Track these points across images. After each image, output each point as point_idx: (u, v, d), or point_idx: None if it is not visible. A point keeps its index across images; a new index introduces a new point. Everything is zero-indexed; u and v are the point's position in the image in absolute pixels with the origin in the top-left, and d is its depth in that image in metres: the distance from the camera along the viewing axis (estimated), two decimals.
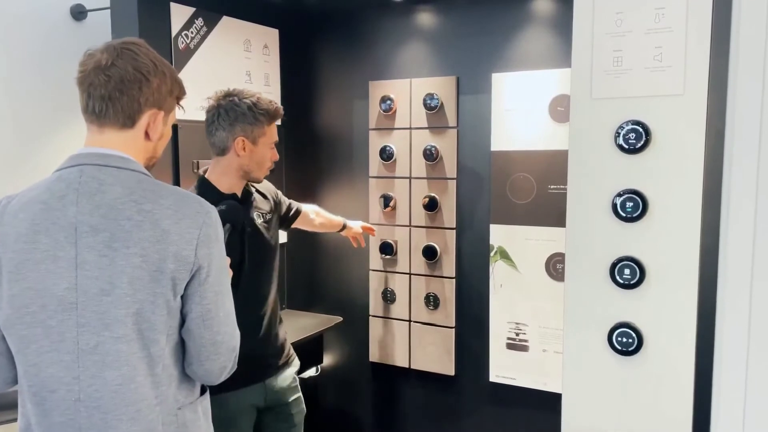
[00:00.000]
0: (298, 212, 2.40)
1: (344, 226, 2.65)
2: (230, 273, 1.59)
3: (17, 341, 1.23)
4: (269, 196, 2.18)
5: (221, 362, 1.29)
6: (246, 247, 1.97)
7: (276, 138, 2.03)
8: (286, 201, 2.33)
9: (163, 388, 1.25)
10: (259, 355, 2.01)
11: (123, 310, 1.18)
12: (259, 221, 2.06)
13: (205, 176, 1.99)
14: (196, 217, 1.24)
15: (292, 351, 2.20)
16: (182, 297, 1.24)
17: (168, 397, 1.26)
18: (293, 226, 2.42)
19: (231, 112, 1.92)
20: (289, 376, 2.13)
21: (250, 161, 1.96)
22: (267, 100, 1.98)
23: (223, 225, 1.72)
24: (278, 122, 2.05)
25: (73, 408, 1.20)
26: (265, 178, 2.07)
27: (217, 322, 1.26)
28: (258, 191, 2.12)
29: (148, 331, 1.20)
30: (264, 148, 1.98)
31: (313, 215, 2.52)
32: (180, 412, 1.28)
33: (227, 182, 1.97)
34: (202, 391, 1.38)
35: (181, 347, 1.28)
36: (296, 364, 2.20)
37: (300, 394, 2.18)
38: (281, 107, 2.03)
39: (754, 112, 1.36)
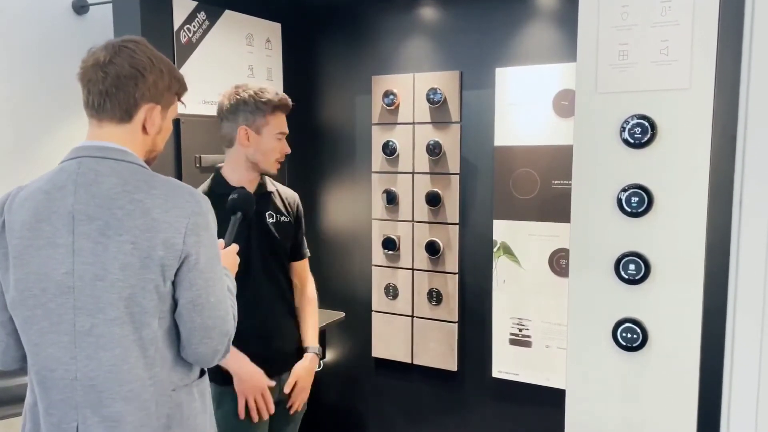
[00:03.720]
0: (301, 254, 2.17)
1: (303, 351, 2.11)
2: (237, 259, 1.61)
3: (21, 322, 1.30)
4: (290, 207, 2.13)
5: (213, 346, 1.33)
6: (251, 241, 1.97)
7: (283, 129, 2.01)
8: (302, 228, 2.19)
9: (157, 369, 1.30)
10: (273, 351, 2.02)
11: (115, 294, 1.24)
12: (270, 221, 2.04)
13: (220, 170, 2.02)
14: (185, 207, 1.28)
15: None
16: (173, 283, 1.29)
17: (162, 378, 1.31)
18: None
19: (233, 101, 1.96)
20: None
21: (255, 152, 1.96)
22: (273, 90, 1.99)
23: (234, 213, 1.74)
24: (286, 113, 2.04)
25: (70, 386, 1.27)
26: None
27: (207, 307, 1.30)
28: (280, 195, 2.11)
29: (139, 314, 1.26)
30: (269, 139, 1.97)
31: (298, 284, 2.17)
32: (174, 394, 1.33)
33: (237, 175, 1.98)
34: (201, 374, 1.42)
35: (175, 331, 1.33)
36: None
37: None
38: (287, 98, 2.02)
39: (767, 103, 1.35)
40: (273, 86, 2.11)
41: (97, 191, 1.25)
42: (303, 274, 2.21)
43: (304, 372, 2.07)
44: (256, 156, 1.97)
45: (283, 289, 2.08)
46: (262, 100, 1.95)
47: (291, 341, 2.10)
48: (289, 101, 2.04)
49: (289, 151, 2.05)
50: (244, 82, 2.03)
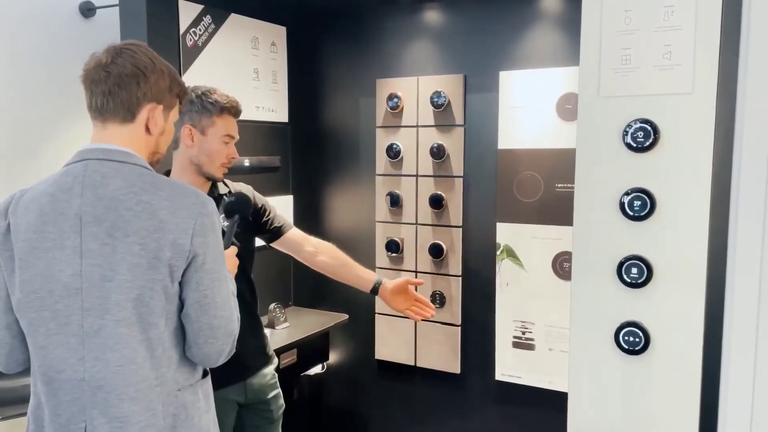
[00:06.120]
0: (279, 230, 2.17)
1: (377, 286, 2.22)
2: (236, 261, 1.62)
3: (27, 324, 1.31)
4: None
5: (218, 346, 1.34)
6: None
7: (231, 132, 1.93)
8: (268, 210, 2.15)
9: (163, 369, 1.31)
10: (237, 355, 1.99)
11: (123, 295, 1.25)
12: (224, 224, 1.93)
13: (169, 176, 1.93)
14: (192, 208, 1.30)
15: (271, 350, 2.17)
16: (180, 283, 1.30)
17: (168, 378, 1.32)
18: (278, 247, 2.20)
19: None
20: (268, 373, 2.11)
21: (199, 153, 1.89)
22: (225, 94, 1.93)
23: (232, 216, 1.73)
24: (235, 117, 1.95)
25: (78, 387, 1.28)
26: (230, 175, 1.98)
27: (213, 307, 1.32)
28: (230, 194, 2.04)
29: (147, 315, 1.27)
30: (214, 140, 1.89)
31: (310, 247, 2.21)
32: (180, 394, 1.34)
33: (188, 180, 1.88)
34: (204, 374, 1.43)
35: (181, 331, 1.34)
36: (275, 362, 2.17)
37: (279, 390, 2.15)
38: (238, 102, 1.95)
39: (764, 110, 1.35)
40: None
41: (103, 193, 1.26)
42: (303, 239, 2.20)
43: (404, 286, 2.23)
44: (200, 158, 1.89)
45: (241, 292, 1.94)
46: (210, 100, 1.88)
47: (254, 344, 2.06)
48: (240, 106, 1.96)
49: (236, 156, 1.96)
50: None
